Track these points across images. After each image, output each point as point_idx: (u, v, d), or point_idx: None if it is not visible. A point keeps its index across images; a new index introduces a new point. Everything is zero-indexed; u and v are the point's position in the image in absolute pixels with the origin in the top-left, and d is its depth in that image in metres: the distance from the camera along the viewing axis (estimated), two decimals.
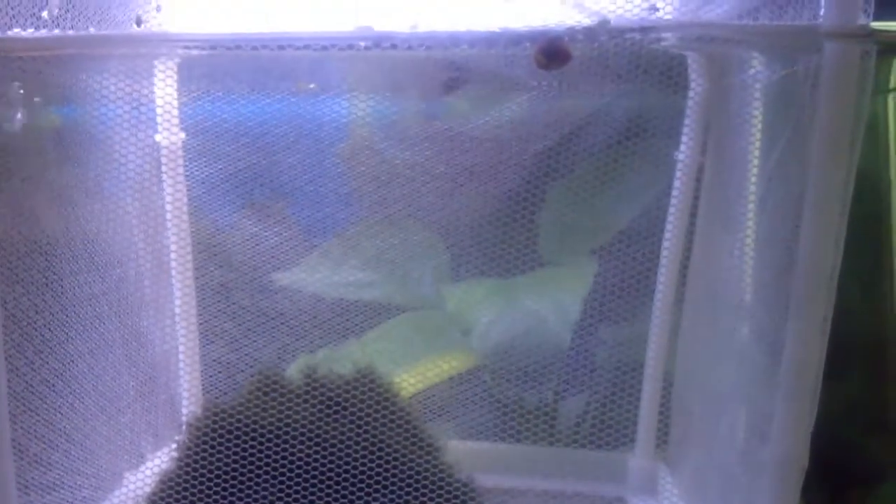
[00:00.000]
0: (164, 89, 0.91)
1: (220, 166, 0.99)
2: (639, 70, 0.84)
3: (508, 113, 0.96)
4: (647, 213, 0.96)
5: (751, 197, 0.81)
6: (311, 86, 0.98)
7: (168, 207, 0.98)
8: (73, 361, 0.85)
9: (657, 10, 0.70)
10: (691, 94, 0.91)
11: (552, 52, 0.66)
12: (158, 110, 0.93)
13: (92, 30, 0.75)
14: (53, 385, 0.82)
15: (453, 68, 0.90)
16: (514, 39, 0.67)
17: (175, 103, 0.93)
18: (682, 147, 0.93)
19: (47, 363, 0.82)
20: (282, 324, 1.02)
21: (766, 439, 0.70)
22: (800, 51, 0.70)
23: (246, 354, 1.02)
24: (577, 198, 0.99)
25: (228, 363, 1.02)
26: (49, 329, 0.82)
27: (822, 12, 0.65)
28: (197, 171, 0.99)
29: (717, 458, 0.86)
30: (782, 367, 0.68)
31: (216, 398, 1.01)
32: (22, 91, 0.79)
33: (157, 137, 0.95)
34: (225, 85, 0.95)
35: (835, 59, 0.64)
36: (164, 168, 0.97)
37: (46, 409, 0.82)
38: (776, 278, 0.72)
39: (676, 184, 0.94)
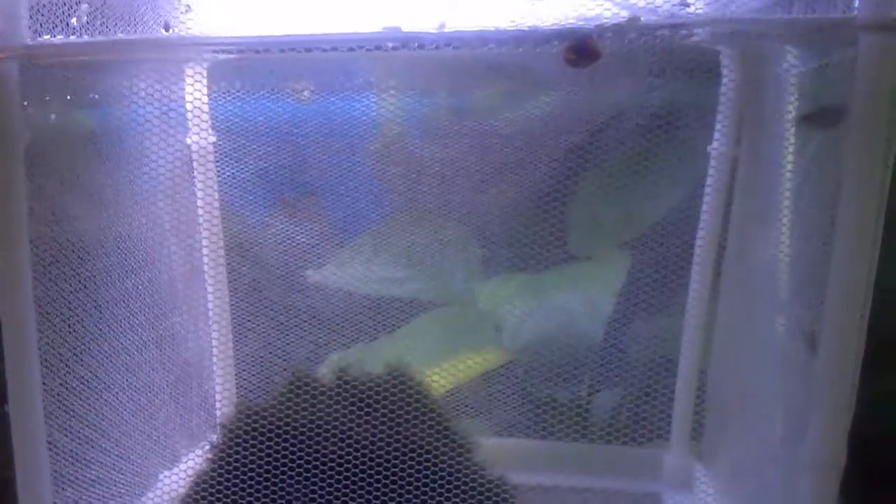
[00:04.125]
0: (195, 92, 0.92)
1: (250, 166, 0.99)
2: (670, 65, 0.83)
3: (538, 108, 0.95)
4: (681, 207, 0.95)
5: (786, 190, 0.80)
6: (305, 92, 0.98)
7: (200, 208, 0.98)
8: (107, 361, 0.85)
9: (688, 4, 0.69)
10: (724, 86, 0.89)
11: (582, 49, 0.66)
12: (189, 112, 0.94)
13: (120, 35, 0.75)
14: (89, 384, 0.83)
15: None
16: (543, 38, 0.67)
17: (205, 105, 0.93)
18: (716, 140, 0.92)
19: (82, 362, 0.82)
20: (314, 321, 1.03)
21: (803, 437, 0.69)
22: (834, 43, 0.69)
23: (279, 352, 1.02)
24: (608, 192, 0.99)
25: (262, 361, 1.02)
26: (83, 329, 0.82)
27: (856, 4, 0.64)
28: (228, 171, 0.99)
29: (753, 454, 0.85)
30: (818, 363, 0.67)
31: (250, 397, 1.01)
32: (54, 96, 0.80)
33: (189, 139, 0.96)
34: (254, 86, 0.96)
35: (870, 51, 0.63)
36: (195, 169, 0.97)
37: (82, 407, 0.82)
38: (813, 272, 0.71)
39: (710, 177, 0.93)
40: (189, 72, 0.91)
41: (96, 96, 0.86)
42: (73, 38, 0.73)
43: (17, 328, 0.74)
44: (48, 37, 0.72)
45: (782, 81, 0.80)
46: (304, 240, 1.02)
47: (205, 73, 0.91)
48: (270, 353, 1.02)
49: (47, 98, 0.79)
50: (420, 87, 0.98)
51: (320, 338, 1.02)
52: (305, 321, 1.02)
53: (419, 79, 0.97)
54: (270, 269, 1.03)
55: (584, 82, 0.90)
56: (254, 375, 1.03)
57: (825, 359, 0.67)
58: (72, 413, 0.81)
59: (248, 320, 1.03)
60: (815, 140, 0.74)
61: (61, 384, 0.79)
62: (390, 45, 0.69)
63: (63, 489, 0.80)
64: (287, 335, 1.02)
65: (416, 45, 0.69)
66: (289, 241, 1.02)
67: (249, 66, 0.95)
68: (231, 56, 0.81)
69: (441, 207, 1.01)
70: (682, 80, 0.87)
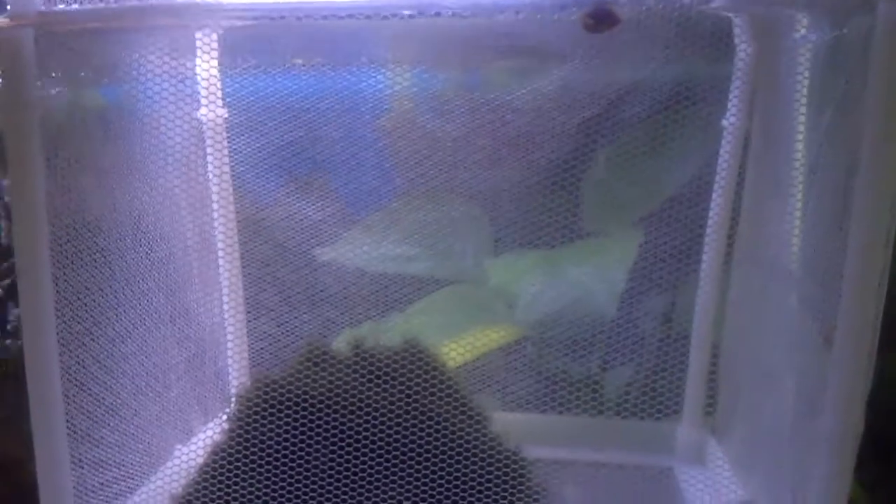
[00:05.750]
0: (206, 64, 0.91)
1: (263, 141, 0.99)
2: (686, 34, 0.82)
3: (551, 83, 0.95)
4: (694, 181, 0.95)
5: (799, 164, 0.79)
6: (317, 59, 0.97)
7: (212, 183, 0.98)
8: (122, 337, 0.86)
9: None
10: (738, 58, 0.89)
11: (600, 15, 0.66)
12: (201, 85, 0.93)
13: (134, 1, 0.75)
14: (104, 361, 0.83)
15: None
16: (561, 4, 0.66)
17: (217, 78, 0.93)
18: (729, 113, 0.92)
19: (97, 340, 0.82)
20: (326, 298, 1.03)
21: (818, 410, 0.69)
22: (852, 11, 0.68)
23: (292, 328, 1.02)
24: (622, 167, 0.98)
25: (275, 337, 1.03)
26: (98, 306, 0.83)
27: None
28: (240, 146, 0.99)
29: (766, 427, 0.85)
30: (836, 337, 0.67)
31: (264, 371, 1.01)
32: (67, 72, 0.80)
33: (200, 113, 0.96)
34: (266, 58, 0.95)
35: (889, 18, 0.62)
36: (207, 144, 0.97)
37: (97, 385, 0.82)
38: (827, 247, 0.70)
39: (723, 151, 0.93)
40: (201, 42, 0.90)
41: (109, 71, 0.86)
42: (87, 5, 0.73)
43: (35, 306, 0.74)
44: (62, 5, 0.72)
45: (796, 53, 0.80)
46: (316, 217, 1.02)
47: (216, 45, 0.91)
48: (283, 329, 1.02)
49: (61, 75, 0.79)
50: (433, 62, 0.97)
51: (333, 315, 1.02)
52: (318, 298, 1.02)
53: (432, 53, 0.96)
54: (283, 245, 1.02)
55: (600, 53, 0.89)
56: (267, 351, 1.03)
57: (843, 330, 0.66)
58: (88, 391, 0.81)
59: (262, 296, 1.03)
60: (828, 113, 0.74)
61: (77, 362, 0.79)
62: (406, 12, 0.69)
63: (80, 468, 0.80)
64: (300, 312, 1.02)
65: (434, 12, 0.68)
66: (301, 218, 1.02)
67: (261, 38, 0.94)
68: (245, 23, 0.81)
69: (453, 184, 1.00)
70: (697, 53, 0.87)
